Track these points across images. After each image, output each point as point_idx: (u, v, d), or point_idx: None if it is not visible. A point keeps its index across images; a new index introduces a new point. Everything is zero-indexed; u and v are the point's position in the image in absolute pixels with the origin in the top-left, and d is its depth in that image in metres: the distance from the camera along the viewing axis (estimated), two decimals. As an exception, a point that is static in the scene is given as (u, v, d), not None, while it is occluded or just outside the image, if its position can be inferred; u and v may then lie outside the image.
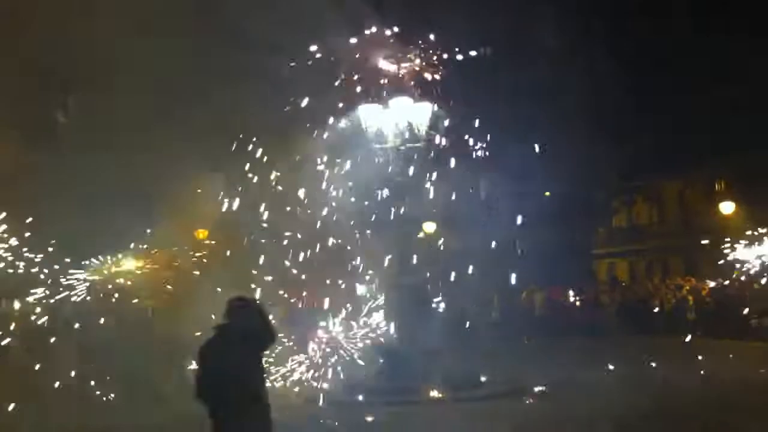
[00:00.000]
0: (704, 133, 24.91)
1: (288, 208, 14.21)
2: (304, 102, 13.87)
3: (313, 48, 13.82)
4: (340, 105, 14.37)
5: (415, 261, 14.75)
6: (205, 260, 14.49)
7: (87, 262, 14.45)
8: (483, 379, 13.81)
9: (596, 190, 29.88)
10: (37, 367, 11.99)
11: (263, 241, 14.11)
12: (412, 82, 14.65)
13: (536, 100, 24.58)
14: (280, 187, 14.17)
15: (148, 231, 14.84)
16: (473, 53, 15.68)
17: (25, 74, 14.04)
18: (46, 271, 13.66)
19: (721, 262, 20.77)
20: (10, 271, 13.42)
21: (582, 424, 10.02)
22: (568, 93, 24.07)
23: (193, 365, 5.93)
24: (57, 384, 11.72)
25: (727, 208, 25.28)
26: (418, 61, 14.75)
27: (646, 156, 27.18)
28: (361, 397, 12.67)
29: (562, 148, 23.82)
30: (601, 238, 31.43)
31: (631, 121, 26.42)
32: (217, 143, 15.13)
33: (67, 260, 13.94)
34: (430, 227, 20.56)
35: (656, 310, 22.52)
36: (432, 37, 14.84)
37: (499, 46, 24.42)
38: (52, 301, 13.69)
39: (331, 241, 14.20)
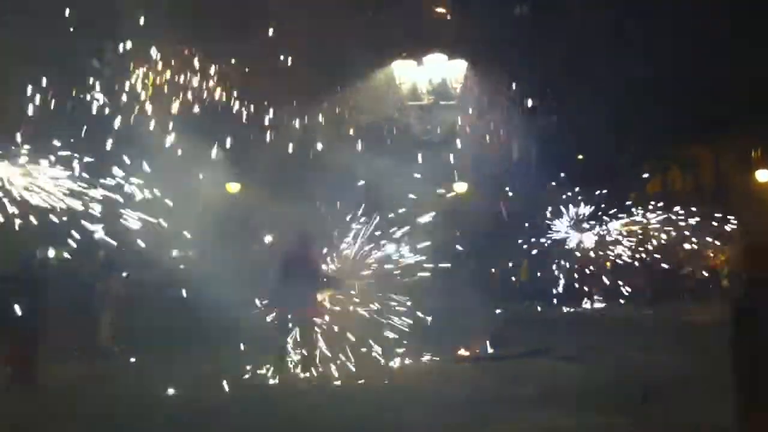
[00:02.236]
0: (741, 99, 24.35)
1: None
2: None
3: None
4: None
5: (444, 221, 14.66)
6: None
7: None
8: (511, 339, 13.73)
9: (629, 155, 29.46)
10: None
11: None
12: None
13: (569, 63, 24.16)
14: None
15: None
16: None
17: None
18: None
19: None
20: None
21: (609, 384, 9.95)
22: (601, 56, 23.62)
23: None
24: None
25: (763, 175, 24.86)
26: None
27: (681, 121, 26.67)
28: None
29: (594, 112, 23.47)
30: (634, 205, 31.01)
31: (666, 86, 25.88)
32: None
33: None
34: (460, 187, 20.35)
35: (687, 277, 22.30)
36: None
37: (535, 6, 24.04)
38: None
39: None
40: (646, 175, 30.05)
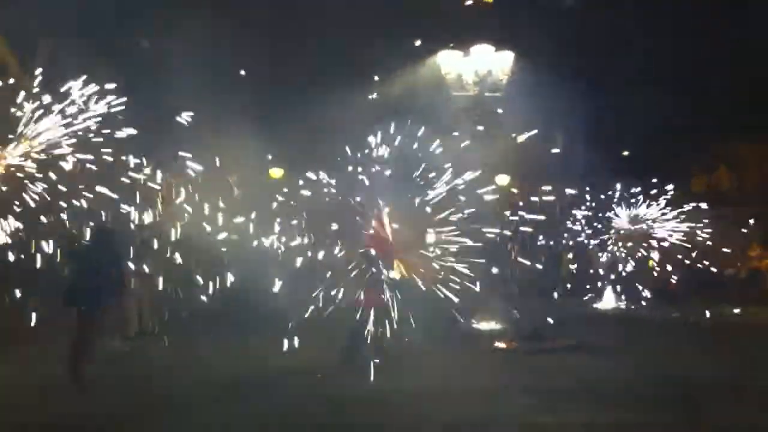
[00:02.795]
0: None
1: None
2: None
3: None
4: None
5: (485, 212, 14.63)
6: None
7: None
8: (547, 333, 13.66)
9: (674, 152, 29.02)
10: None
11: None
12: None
13: (615, 57, 23.85)
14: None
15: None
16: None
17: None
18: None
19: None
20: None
21: (643, 382, 9.88)
22: (649, 51, 23.28)
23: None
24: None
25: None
26: None
27: (728, 118, 26.16)
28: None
29: (640, 108, 23.19)
30: (678, 203, 30.51)
31: (716, 82, 25.37)
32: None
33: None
34: (503, 179, 20.24)
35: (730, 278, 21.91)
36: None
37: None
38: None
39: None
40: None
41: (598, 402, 8.82)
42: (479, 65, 14.24)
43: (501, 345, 12.77)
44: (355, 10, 15.06)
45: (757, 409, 8.48)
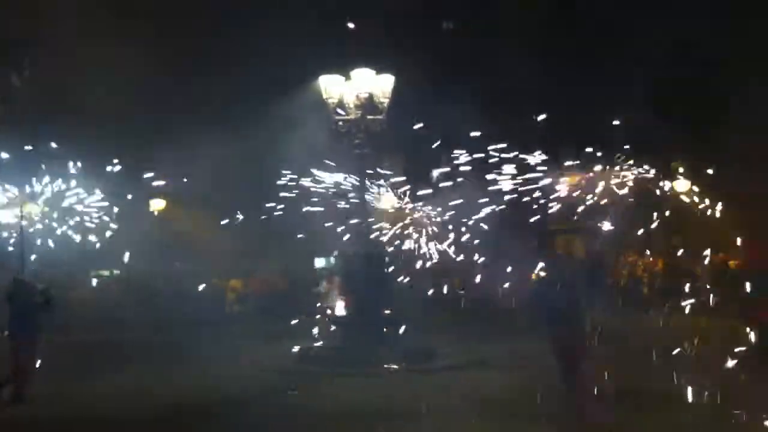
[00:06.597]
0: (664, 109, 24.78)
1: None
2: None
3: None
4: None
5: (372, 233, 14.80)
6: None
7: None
8: (438, 350, 13.78)
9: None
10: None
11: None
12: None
13: (495, 77, 24.42)
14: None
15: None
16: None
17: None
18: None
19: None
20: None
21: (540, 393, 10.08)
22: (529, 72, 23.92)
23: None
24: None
25: (680, 186, 25.56)
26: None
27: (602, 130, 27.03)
28: (313, 368, 12.72)
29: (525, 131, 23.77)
30: (556, 215, 31.28)
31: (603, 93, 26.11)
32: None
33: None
34: (389, 199, 20.41)
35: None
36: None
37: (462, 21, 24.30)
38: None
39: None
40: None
41: (488, 418, 8.95)
42: (360, 89, 14.33)
43: (392, 366, 12.79)
44: (238, 34, 14.97)
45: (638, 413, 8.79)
